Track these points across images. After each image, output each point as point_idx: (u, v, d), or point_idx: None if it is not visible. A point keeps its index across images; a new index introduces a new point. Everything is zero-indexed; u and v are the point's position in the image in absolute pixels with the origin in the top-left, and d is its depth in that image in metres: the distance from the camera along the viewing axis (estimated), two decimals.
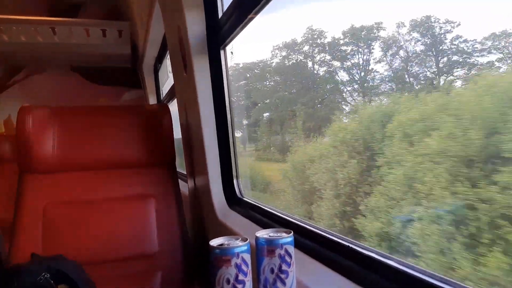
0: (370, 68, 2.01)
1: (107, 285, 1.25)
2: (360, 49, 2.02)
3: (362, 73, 2.06)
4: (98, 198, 1.45)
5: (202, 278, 1.52)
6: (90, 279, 1.04)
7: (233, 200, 1.50)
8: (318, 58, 2.37)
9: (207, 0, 1.46)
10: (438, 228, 1.26)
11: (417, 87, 1.75)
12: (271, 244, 0.72)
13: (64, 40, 3.15)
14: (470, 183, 1.15)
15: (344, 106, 2.29)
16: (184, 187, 1.89)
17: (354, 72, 2.09)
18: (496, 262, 1.03)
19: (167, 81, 3.37)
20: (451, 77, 1.52)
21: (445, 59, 1.54)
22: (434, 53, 1.63)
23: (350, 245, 0.83)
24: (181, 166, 2.05)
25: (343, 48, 2.14)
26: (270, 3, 1.12)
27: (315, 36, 2.32)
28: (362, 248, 0.81)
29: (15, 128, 1.41)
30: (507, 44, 1.23)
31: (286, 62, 2.62)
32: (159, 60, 3.45)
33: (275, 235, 0.74)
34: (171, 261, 1.44)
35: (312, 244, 0.95)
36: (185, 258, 1.47)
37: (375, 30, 1.93)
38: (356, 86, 2.14)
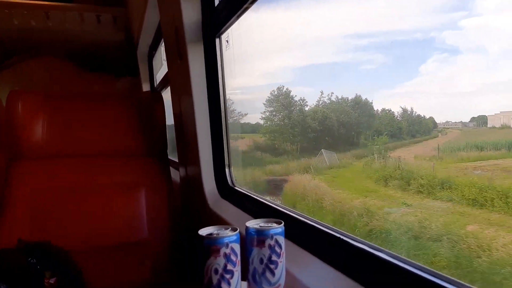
0: None
1: (95, 273, 1.23)
2: None
3: None
4: (87, 186, 1.43)
5: (191, 267, 1.51)
6: (77, 266, 1.03)
7: (225, 190, 1.49)
8: None
9: None
10: None
11: None
12: (261, 235, 0.72)
13: (57, 25, 3.09)
14: None
15: None
16: (176, 175, 1.88)
17: None
18: None
19: (161, 69, 3.33)
20: None
21: None
22: None
23: (341, 237, 0.83)
24: (172, 154, 2.03)
25: None
26: None
27: None
28: (353, 240, 0.81)
29: (4, 113, 1.38)
30: None
31: None
32: (154, 47, 3.41)
33: (266, 225, 0.73)
34: (161, 250, 1.43)
35: (303, 234, 0.94)
36: (174, 247, 1.46)
37: None
38: None
